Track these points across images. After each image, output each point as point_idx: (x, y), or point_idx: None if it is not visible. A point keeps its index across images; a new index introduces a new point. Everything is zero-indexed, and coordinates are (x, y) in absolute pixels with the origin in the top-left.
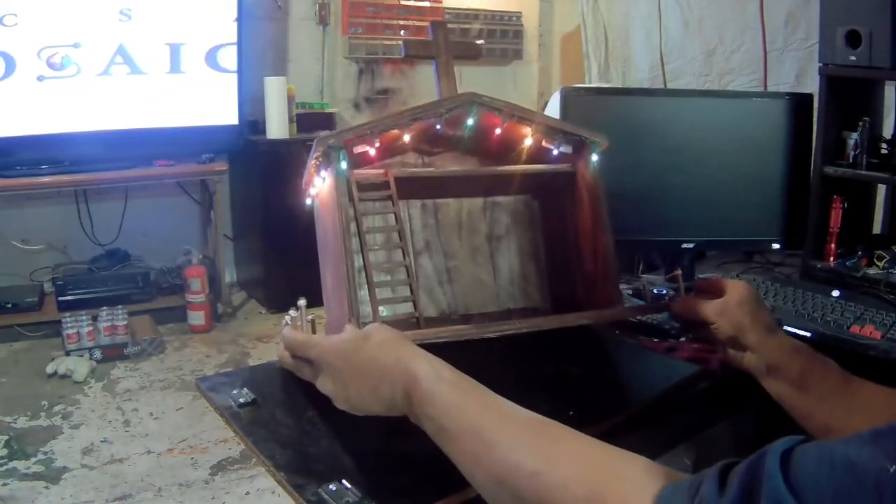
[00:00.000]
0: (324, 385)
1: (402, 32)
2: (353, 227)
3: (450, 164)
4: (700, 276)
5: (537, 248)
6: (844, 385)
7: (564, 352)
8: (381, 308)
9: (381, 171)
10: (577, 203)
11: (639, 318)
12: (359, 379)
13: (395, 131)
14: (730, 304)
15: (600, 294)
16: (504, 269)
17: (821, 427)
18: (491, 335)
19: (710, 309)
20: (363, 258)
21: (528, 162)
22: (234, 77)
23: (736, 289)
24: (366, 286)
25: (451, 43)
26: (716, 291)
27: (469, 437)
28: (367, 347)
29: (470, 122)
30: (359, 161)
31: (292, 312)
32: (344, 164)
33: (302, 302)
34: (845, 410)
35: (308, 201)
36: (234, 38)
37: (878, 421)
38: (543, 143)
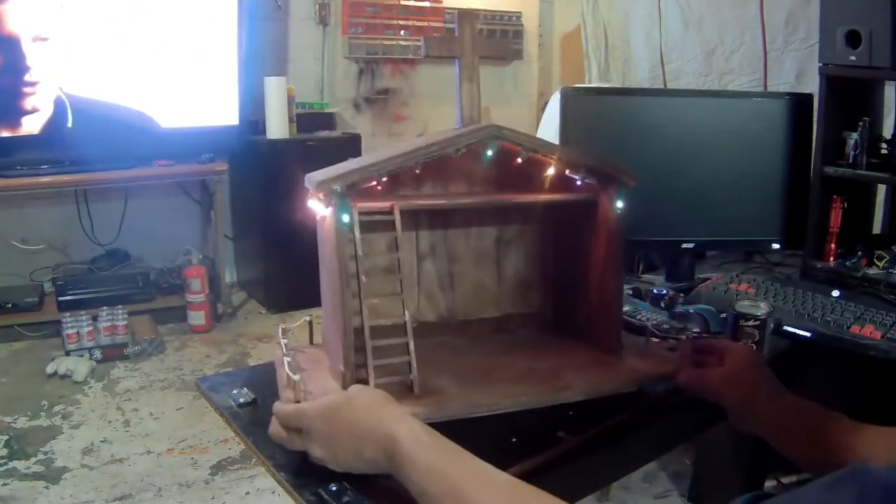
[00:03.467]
0: (314, 451)
1: (401, 32)
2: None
3: (464, 189)
4: (700, 276)
5: (545, 253)
6: (855, 436)
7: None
8: (374, 363)
9: (387, 204)
10: (594, 235)
11: (639, 318)
12: (344, 442)
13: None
14: (735, 374)
15: (601, 338)
16: (509, 274)
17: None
18: (485, 413)
19: (716, 380)
20: (361, 311)
21: (548, 189)
22: (235, 77)
23: (738, 356)
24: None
25: (478, 41)
26: (716, 353)
27: (450, 501)
28: (350, 411)
29: (489, 153)
30: (365, 189)
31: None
32: (346, 217)
33: (297, 377)
34: (855, 460)
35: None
36: (234, 39)
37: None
38: (567, 173)
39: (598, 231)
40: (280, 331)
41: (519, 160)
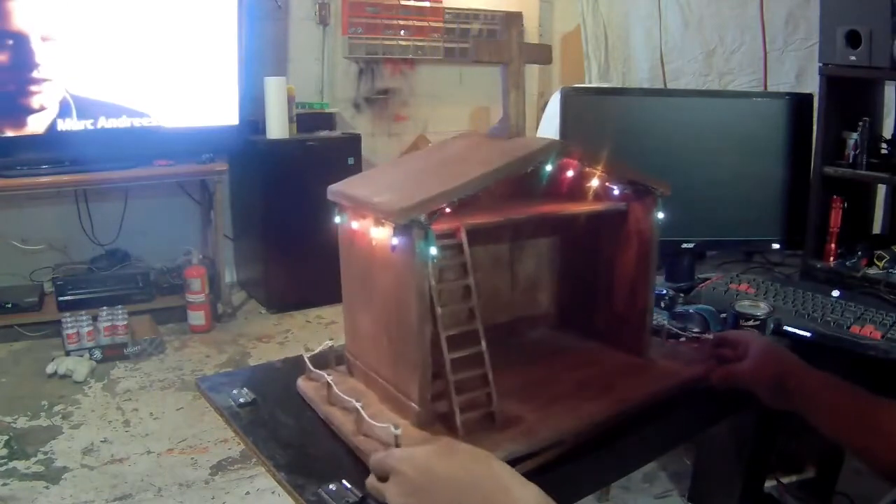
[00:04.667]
0: (394, 497)
1: (401, 32)
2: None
3: (488, 196)
4: (700, 276)
5: (553, 254)
6: (875, 408)
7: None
8: (458, 399)
9: (453, 226)
10: (623, 243)
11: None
12: (438, 490)
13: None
14: (760, 363)
15: (629, 342)
16: (521, 278)
17: (857, 450)
18: (571, 438)
19: (745, 373)
20: (442, 349)
21: (575, 196)
22: (235, 77)
23: (757, 346)
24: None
25: (524, 45)
26: (735, 344)
27: None
28: (455, 460)
29: (548, 169)
30: None
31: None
32: (434, 250)
33: (398, 431)
34: (875, 433)
35: (337, 219)
36: (234, 39)
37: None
38: (607, 184)
39: (627, 240)
40: (307, 360)
41: (570, 173)
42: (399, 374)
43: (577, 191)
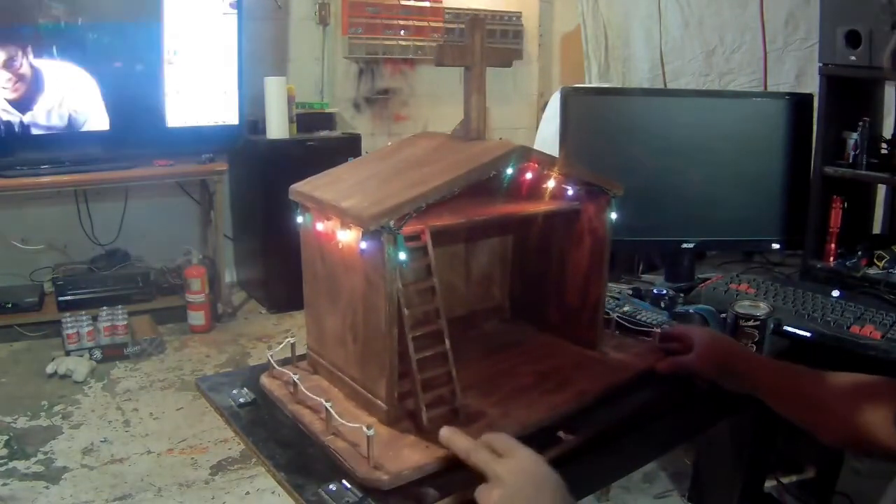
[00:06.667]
0: (500, 499)
1: (401, 32)
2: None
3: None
4: (700, 276)
5: (505, 249)
6: (818, 385)
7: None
8: (425, 397)
9: (418, 228)
10: (576, 241)
11: (629, 316)
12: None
13: None
14: (703, 352)
15: (582, 335)
16: (475, 273)
17: (805, 425)
18: (533, 431)
19: (690, 363)
20: (409, 349)
21: (531, 196)
22: (235, 77)
23: (701, 336)
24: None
25: (486, 49)
26: (680, 337)
27: None
28: (562, 488)
29: (509, 171)
30: None
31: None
32: (403, 255)
33: (371, 433)
34: (821, 407)
35: (300, 220)
36: (234, 39)
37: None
38: (561, 184)
39: (581, 238)
40: (271, 358)
41: (529, 175)
42: (366, 373)
43: (533, 190)
